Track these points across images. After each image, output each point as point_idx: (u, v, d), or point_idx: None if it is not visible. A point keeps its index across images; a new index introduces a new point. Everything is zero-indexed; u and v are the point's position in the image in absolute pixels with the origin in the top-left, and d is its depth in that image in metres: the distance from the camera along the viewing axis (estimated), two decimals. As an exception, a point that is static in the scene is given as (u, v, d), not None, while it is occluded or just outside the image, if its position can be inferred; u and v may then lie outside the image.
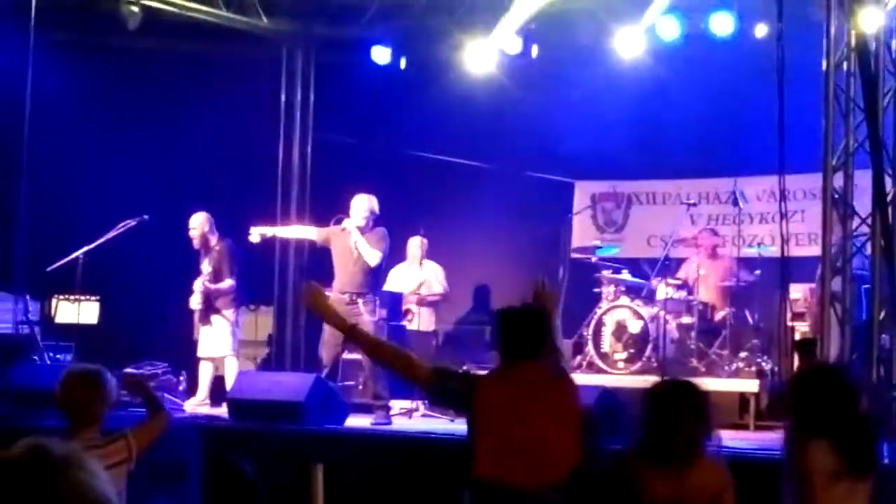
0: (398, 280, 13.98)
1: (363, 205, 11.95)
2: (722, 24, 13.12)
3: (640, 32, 13.57)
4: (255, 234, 12.47)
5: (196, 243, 12.87)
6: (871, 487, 5.60)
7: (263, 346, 15.01)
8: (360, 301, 11.76)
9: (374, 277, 12.05)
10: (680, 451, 5.50)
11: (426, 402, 12.36)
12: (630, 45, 13.74)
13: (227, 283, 12.76)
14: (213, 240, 12.83)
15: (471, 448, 6.06)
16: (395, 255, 13.25)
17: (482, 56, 14.40)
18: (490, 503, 6.00)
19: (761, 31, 12.98)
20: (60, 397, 5.83)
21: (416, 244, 14.26)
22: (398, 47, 14.79)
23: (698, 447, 5.59)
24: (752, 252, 13.71)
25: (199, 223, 12.85)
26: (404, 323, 13.87)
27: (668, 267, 13.65)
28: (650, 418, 5.60)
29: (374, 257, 11.85)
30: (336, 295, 11.85)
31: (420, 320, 14.08)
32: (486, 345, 12.48)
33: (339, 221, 12.03)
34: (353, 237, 11.79)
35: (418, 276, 14.30)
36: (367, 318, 11.62)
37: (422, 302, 14.21)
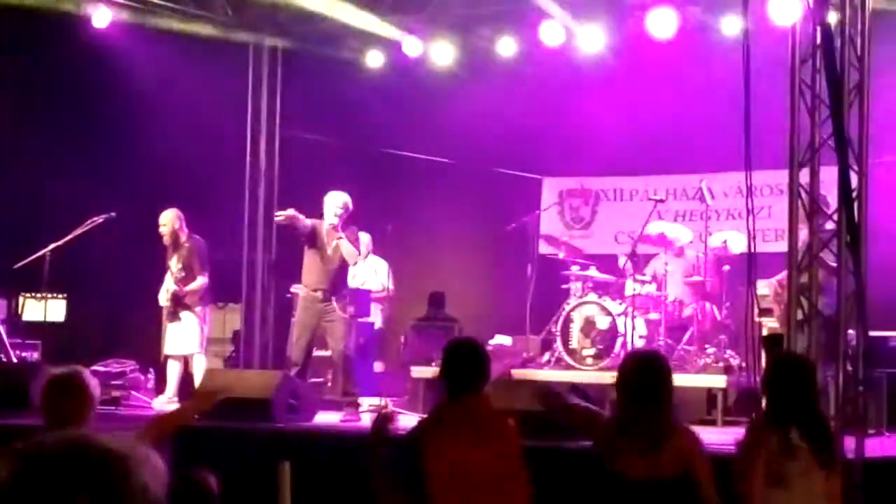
0: None
1: (337, 201, 11.86)
2: (686, 21, 13.19)
3: (604, 30, 13.64)
4: (283, 215, 12.06)
5: (166, 240, 12.81)
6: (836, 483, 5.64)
7: (230, 343, 14.98)
8: (333, 298, 11.73)
9: (345, 275, 12.03)
10: (650, 430, 5.53)
11: (394, 399, 12.42)
12: (596, 42, 13.80)
13: (199, 281, 12.73)
14: (183, 237, 12.79)
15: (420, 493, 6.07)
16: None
17: (449, 52, 14.43)
18: None
19: (727, 26, 13.04)
20: (41, 405, 5.75)
21: (362, 241, 14.19)
22: (365, 44, 14.78)
23: (668, 421, 5.62)
24: (718, 248, 13.73)
25: (169, 220, 12.80)
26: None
27: (636, 263, 13.66)
28: (619, 399, 5.66)
29: (354, 257, 11.85)
30: (308, 293, 11.83)
31: None
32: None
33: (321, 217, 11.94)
34: (336, 236, 11.70)
35: (361, 271, 14.23)
36: (339, 314, 11.63)
37: None
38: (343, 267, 11.87)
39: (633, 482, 5.53)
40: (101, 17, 14.03)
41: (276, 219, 12.29)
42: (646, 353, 6.05)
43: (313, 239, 11.87)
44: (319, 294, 11.75)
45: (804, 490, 5.65)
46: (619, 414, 5.69)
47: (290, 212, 11.87)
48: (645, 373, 5.66)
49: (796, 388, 5.80)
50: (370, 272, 14.29)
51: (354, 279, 13.79)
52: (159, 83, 14.50)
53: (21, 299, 13.89)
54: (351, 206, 11.92)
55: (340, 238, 11.70)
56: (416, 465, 6.08)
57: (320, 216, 11.91)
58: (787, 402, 5.78)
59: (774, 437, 5.72)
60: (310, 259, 11.94)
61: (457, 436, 6.04)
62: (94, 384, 5.86)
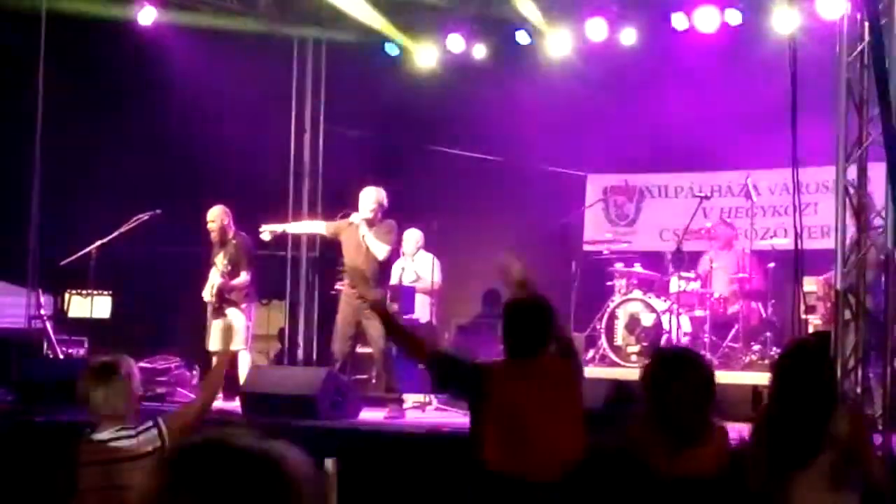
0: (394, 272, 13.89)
1: (371, 197, 11.89)
2: (732, 17, 13.13)
3: (649, 26, 13.61)
4: (266, 231, 12.46)
5: (214, 236, 12.81)
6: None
7: (275, 340, 15.01)
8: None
9: (382, 270, 12.02)
10: (687, 427, 5.45)
11: (438, 395, 12.38)
12: (640, 37, 13.76)
13: (243, 277, 12.74)
14: (231, 233, 12.81)
15: (474, 438, 6.04)
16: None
17: (494, 49, 14.42)
18: (496, 494, 5.97)
19: (774, 22, 12.95)
20: (82, 393, 5.76)
21: (412, 237, 14.21)
22: (410, 40, 14.78)
23: (706, 419, 5.54)
24: (764, 245, 13.67)
25: (217, 216, 12.81)
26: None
27: (681, 260, 13.61)
28: (653, 395, 5.54)
29: (381, 251, 11.80)
30: (347, 289, 11.85)
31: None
32: (500, 339, 12.46)
33: (346, 216, 12.00)
34: (360, 231, 11.75)
35: (411, 267, 14.25)
36: (377, 311, 11.62)
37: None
38: (378, 263, 11.85)
39: (667, 480, 5.46)
40: (146, 15, 14.10)
41: (262, 237, 12.48)
42: (678, 357, 5.86)
43: (340, 239, 11.98)
44: (356, 291, 11.76)
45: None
46: (653, 410, 5.58)
47: (267, 228, 12.34)
48: (676, 377, 5.55)
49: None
50: (420, 268, 14.29)
51: (404, 275, 13.82)
52: (204, 80, 14.52)
53: (67, 296, 13.95)
54: (385, 201, 11.94)
55: (363, 236, 11.73)
56: (476, 383, 6.03)
57: (345, 216, 11.99)
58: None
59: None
60: (346, 256, 12.01)
61: (521, 387, 5.98)
62: (136, 373, 5.86)
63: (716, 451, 5.49)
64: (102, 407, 5.72)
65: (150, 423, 5.75)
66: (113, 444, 5.66)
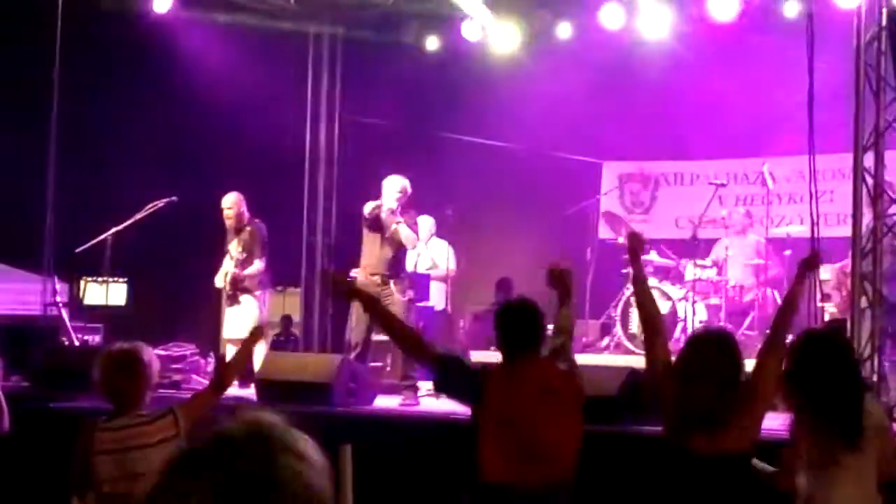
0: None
1: (396, 186, 11.80)
2: (749, 5, 13.08)
3: (667, 13, 13.55)
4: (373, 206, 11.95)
5: (230, 224, 12.75)
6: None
7: (278, 326, 14.97)
8: (391, 282, 11.69)
9: (403, 259, 12.01)
10: (715, 406, 5.45)
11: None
12: (656, 25, 13.71)
13: (257, 265, 12.71)
14: (245, 220, 12.78)
15: (473, 439, 6.04)
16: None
17: (509, 37, 14.38)
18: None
19: (790, 9, 12.90)
20: (99, 381, 5.78)
21: (425, 224, 14.16)
22: (425, 28, 14.77)
23: (736, 396, 5.53)
24: (780, 233, 13.63)
25: (234, 202, 12.75)
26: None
27: (697, 248, 13.58)
28: (677, 386, 5.58)
29: (413, 240, 11.82)
30: (366, 276, 11.80)
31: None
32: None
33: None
34: (394, 220, 11.66)
35: (426, 254, 14.23)
36: (398, 297, 11.59)
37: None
38: (401, 251, 11.85)
39: (700, 458, 5.46)
40: (162, 3, 14.09)
41: (365, 211, 12.00)
42: (712, 334, 5.93)
43: (375, 223, 11.83)
44: (377, 278, 11.71)
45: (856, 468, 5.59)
46: (684, 391, 5.58)
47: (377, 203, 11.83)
48: (714, 352, 5.55)
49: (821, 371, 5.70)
50: (433, 255, 14.29)
51: (418, 262, 13.80)
52: (221, 68, 14.52)
53: (83, 283, 13.95)
54: (409, 190, 11.87)
55: (399, 223, 11.67)
56: (476, 385, 6.04)
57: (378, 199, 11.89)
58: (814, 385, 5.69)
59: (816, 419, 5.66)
60: (368, 243, 11.91)
61: (518, 392, 5.98)
62: (153, 361, 5.85)
63: (751, 426, 5.49)
64: (121, 395, 5.72)
65: (165, 411, 5.75)
66: (129, 431, 5.66)
